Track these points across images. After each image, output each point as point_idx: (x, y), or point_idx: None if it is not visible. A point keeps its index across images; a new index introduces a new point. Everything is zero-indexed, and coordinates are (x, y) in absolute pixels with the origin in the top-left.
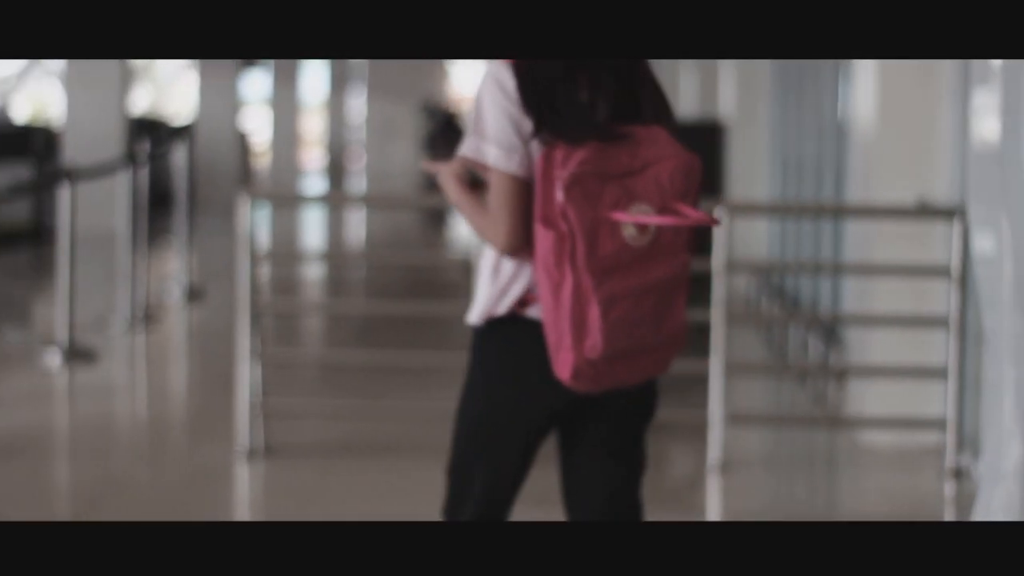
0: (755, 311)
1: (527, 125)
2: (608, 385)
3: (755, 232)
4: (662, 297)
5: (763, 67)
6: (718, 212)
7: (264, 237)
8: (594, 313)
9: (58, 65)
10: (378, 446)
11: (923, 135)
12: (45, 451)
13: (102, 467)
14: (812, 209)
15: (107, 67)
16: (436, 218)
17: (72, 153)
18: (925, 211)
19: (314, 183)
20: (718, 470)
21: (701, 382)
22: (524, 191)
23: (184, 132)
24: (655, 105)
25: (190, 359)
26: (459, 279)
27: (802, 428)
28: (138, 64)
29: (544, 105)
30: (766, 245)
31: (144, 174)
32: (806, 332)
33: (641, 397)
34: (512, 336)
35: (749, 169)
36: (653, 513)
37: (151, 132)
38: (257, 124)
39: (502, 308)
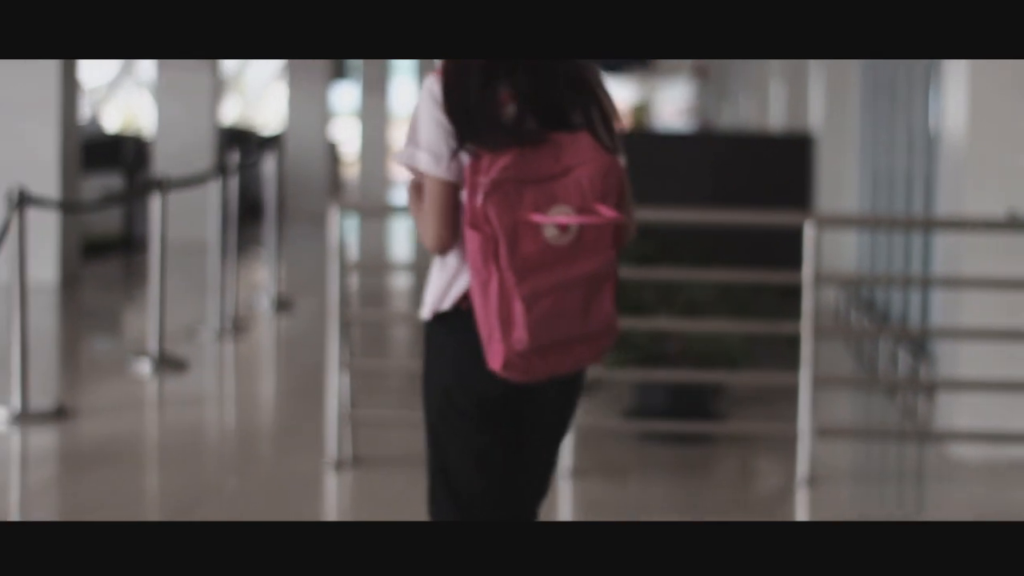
0: (844, 324)
1: (455, 134)
2: (541, 375)
3: (844, 244)
4: (587, 292)
5: (853, 78)
6: (808, 225)
7: (353, 247)
8: (518, 308)
9: (149, 75)
10: None
11: (1015, 147)
12: (135, 459)
13: (191, 475)
14: (902, 222)
15: (198, 78)
16: None
17: (163, 163)
18: (1016, 223)
19: (401, 194)
20: (806, 483)
21: (790, 395)
22: (452, 195)
23: (273, 143)
24: (586, 113)
25: (278, 369)
26: None
27: (891, 441)
28: (228, 74)
29: (464, 115)
30: (855, 257)
31: (234, 184)
32: (895, 345)
33: (576, 385)
34: (455, 329)
35: (838, 181)
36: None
37: (241, 142)
38: (346, 135)
39: (446, 304)
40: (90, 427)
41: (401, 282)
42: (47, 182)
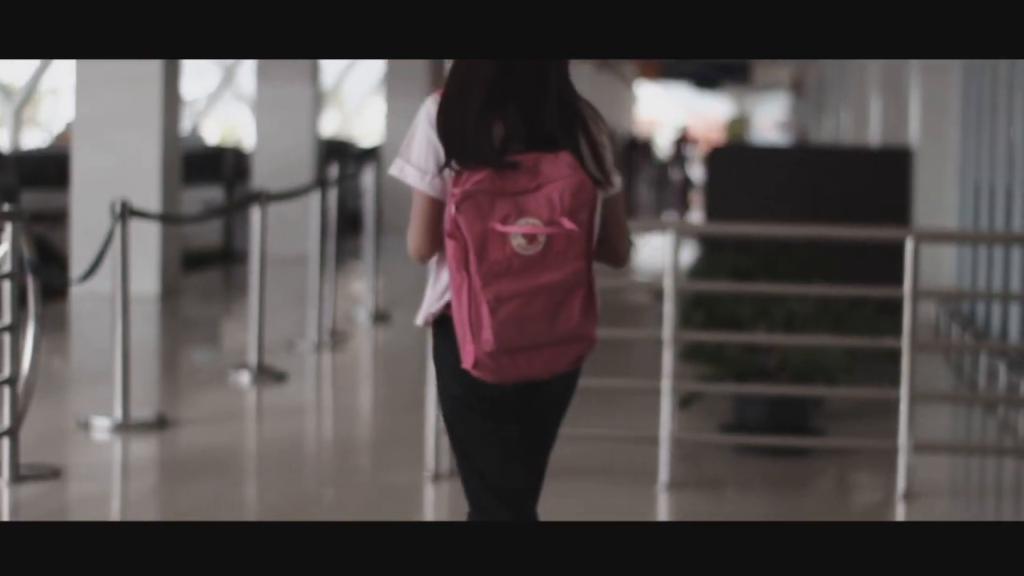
0: (943, 339)
1: (443, 152)
2: (512, 376)
3: (943, 258)
4: (554, 300)
5: (952, 91)
6: (909, 240)
7: None
8: (484, 311)
9: (248, 88)
10: (567, 470)
11: None
12: (235, 469)
13: (290, 486)
14: (1002, 237)
15: (297, 90)
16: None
17: (262, 176)
18: None
19: None
20: (904, 498)
21: (888, 410)
22: (434, 209)
23: (372, 155)
24: (571, 138)
25: (376, 380)
26: (647, 302)
27: (990, 457)
28: (327, 87)
29: (451, 136)
30: (954, 271)
31: (333, 197)
32: (995, 360)
33: (566, 383)
34: (447, 332)
35: (937, 195)
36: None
37: (339, 155)
38: None
39: (436, 308)
40: (190, 437)
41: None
42: (148, 194)
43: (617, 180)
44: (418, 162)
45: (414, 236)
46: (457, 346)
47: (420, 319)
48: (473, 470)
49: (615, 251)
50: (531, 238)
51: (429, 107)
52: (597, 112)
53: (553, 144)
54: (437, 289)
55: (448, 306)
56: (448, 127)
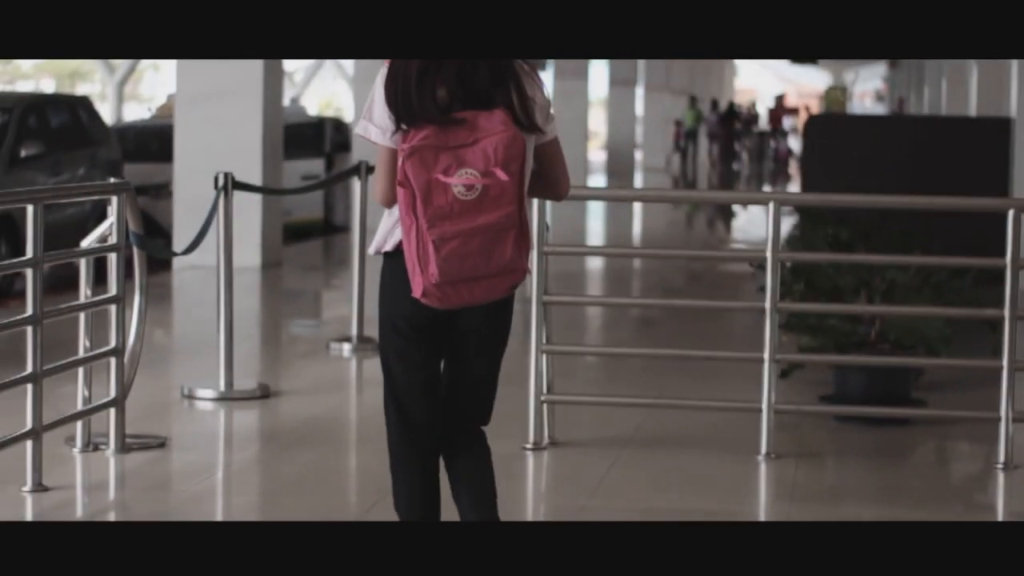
0: None
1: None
2: (455, 303)
3: None
4: (489, 238)
5: None
6: (1012, 211)
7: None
8: (430, 249)
9: (348, 63)
10: (669, 440)
11: None
12: (336, 439)
13: (385, 455)
14: None
15: None
16: (725, 213)
17: (362, 148)
18: None
19: (596, 178)
20: (1004, 469)
21: (988, 380)
22: (396, 161)
23: None
24: (505, 96)
25: None
26: (744, 274)
27: None
28: None
29: (397, 100)
30: None
31: None
32: None
33: (500, 310)
34: (393, 268)
35: None
36: (938, 511)
37: None
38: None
39: (388, 245)
40: (292, 408)
41: (594, 265)
42: (251, 167)
43: (550, 128)
44: (379, 122)
45: (379, 184)
46: (401, 279)
47: (371, 250)
48: (392, 395)
49: (553, 188)
50: (469, 186)
51: (383, 74)
52: (533, 69)
53: (489, 102)
54: (387, 226)
55: (399, 244)
56: (395, 92)
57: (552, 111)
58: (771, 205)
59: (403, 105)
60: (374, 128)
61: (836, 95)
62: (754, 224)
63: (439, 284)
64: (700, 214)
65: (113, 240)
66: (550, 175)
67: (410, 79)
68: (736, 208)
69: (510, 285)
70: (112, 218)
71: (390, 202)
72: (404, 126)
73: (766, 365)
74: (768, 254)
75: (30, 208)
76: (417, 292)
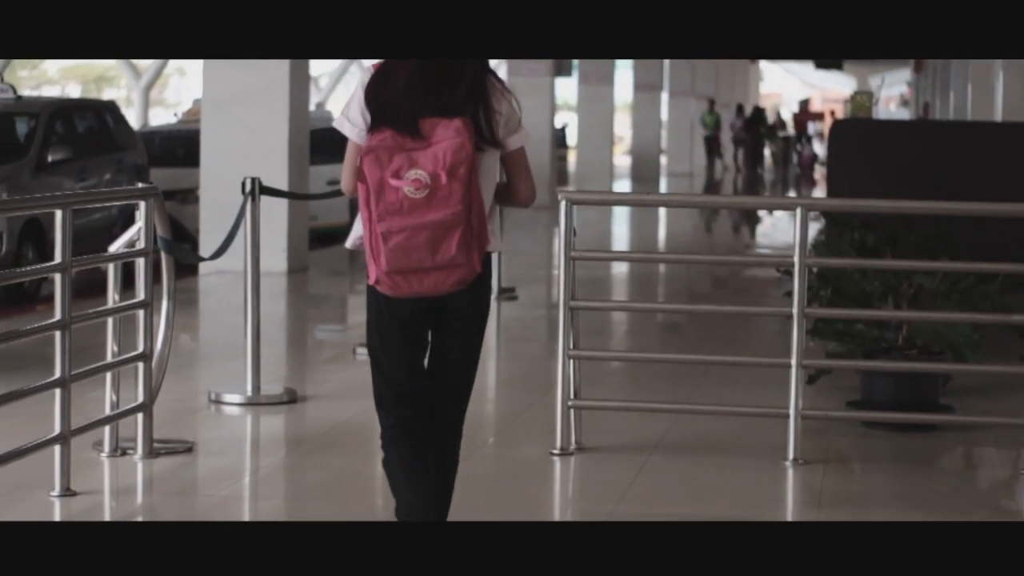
0: None
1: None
2: (406, 292)
3: None
4: (435, 234)
5: None
6: None
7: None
8: (379, 241)
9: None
10: (696, 444)
11: None
12: (362, 445)
13: None
14: None
15: None
16: (750, 218)
17: None
18: None
19: (621, 183)
20: None
21: (1017, 386)
22: (358, 156)
23: None
24: (468, 107)
25: (501, 356)
26: (768, 279)
27: None
28: None
29: (377, 102)
30: None
31: None
32: None
33: (471, 307)
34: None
35: None
36: (964, 517)
37: None
38: (569, 126)
39: (352, 242)
40: (318, 413)
41: (619, 269)
42: (277, 172)
43: (513, 139)
44: (353, 119)
45: (345, 176)
46: None
47: (348, 243)
48: (381, 377)
49: (516, 195)
50: (420, 185)
51: (364, 78)
52: (504, 86)
53: (453, 112)
54: (357, 221)
55: None
56: (377, 95)
57: (521, 125)
58: (798, 210)
59: (379, 108)
60: (348, 124)
61: (862, 100)
62: (778, 229)
63: (388, 273)
64: (725, 219)
65: (141, 245)
66: (511, 183)
67: (397, 87)
68: (760, 213)
69: (457, 279)
70: (140, 223)
71: (352, 192)
72: (371, 126)
73: (794, 370)
74: (796, 259)
75: (59, 213)
76: (371, 279)
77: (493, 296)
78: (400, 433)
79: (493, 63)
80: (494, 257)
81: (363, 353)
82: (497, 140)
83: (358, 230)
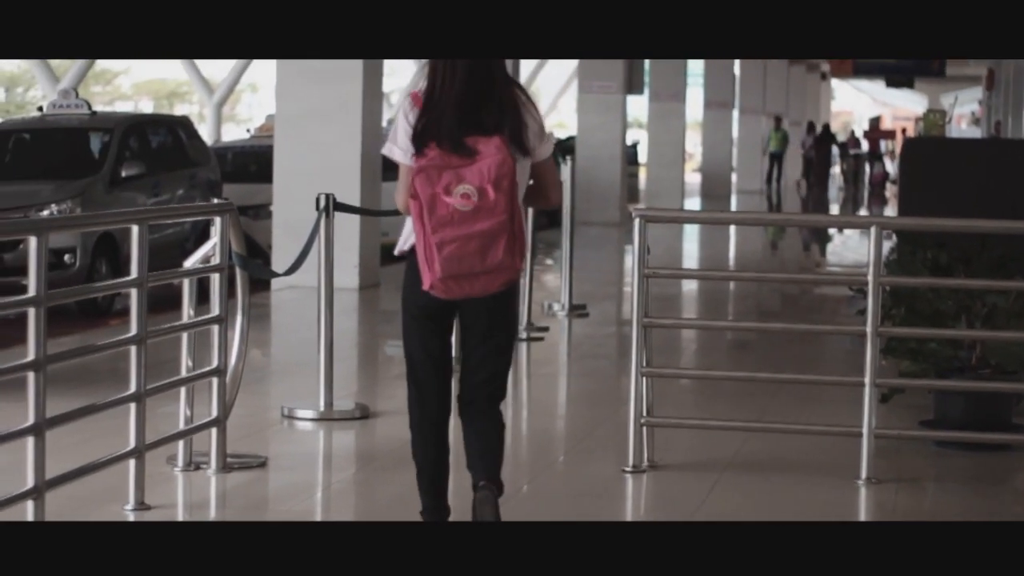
0: None
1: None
2: (457, 294)
3: None
4: (483, 242)
5: None
6: None
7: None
8: (434, 250)
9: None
10: (769, 463)
11: None
12: None
13: None
14: None
15: None
16: (820, 236)
17: None
18: None
19: (691, 200)
20: None
21: None
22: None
23: (567, 147)
24: (501, 126)
25: (573, 373)
26: (838, 297)
27: None
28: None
29: (426, 128)
30: None
31: None
32: None
33: (501, 303)
34: (412, 264)
35: None
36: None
37: None
38: (640, 143)
39: (407, 247)
40: (390, 429)
41: (689, 287)
42: (349, 188)
43: (543, 150)
44: (402, 145)
45: (400, 195)
46: (417, 274)
47: (396, 251)
48: (415, 366)
49: (544, 198)
50: (467, 199)
51: (406, 107)
52: (529, 99)
53: (491, 130)
54: (407, 231)
55: (415, 246)
56: (418, 122)
57: (548, 134)
58: (873, 229)
59: (424, 131)
60: (398, 150)
61: (935, 119)
62: (847, 247)
63: (443, 279)
64: (794, 237)
65: (216, 260)
66: (541, 187)
67: (440, 111)
68: (830, 231)
69: (504, 280)
70: (215, 238)
71: (406, 210)
72: (418, 149)
73: (867, 389)
74: (870, 278)
75: (135, 228)
76: (426, 285)
77: (564, 311)
78: (421, 408)
79: (566, 74)
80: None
81: None
82: (529, 151)
83: (406, 241)
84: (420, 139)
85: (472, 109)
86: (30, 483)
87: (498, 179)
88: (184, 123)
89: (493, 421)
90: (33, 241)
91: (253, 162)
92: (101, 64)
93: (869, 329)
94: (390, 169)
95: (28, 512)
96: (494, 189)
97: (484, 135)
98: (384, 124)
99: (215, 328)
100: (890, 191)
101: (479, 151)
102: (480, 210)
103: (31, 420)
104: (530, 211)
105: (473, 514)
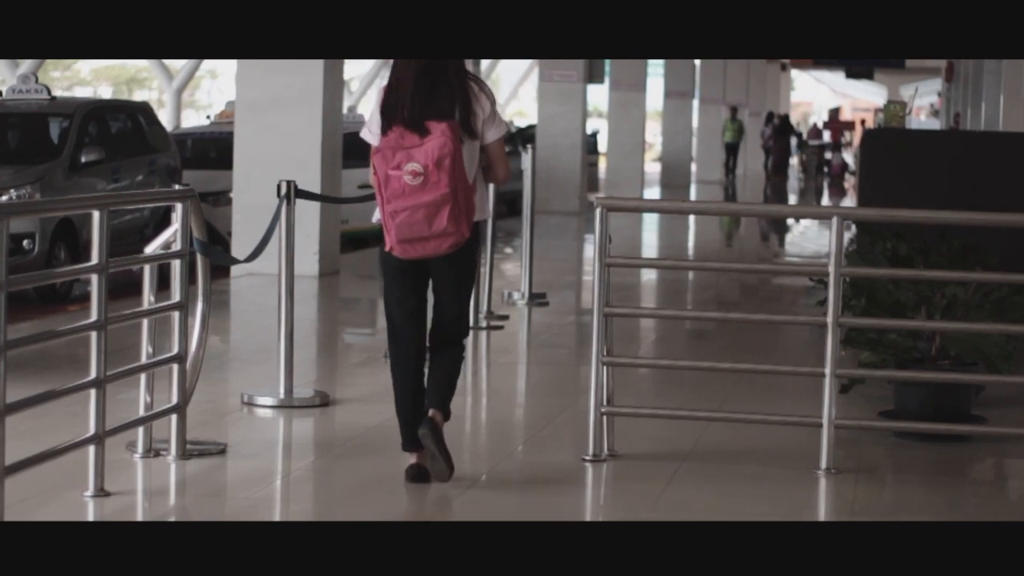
0: None
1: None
2: (412, 254)
3: None
4: (429, 211)
5: None
6: None
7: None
8: (388, 219)
9: None
10: (728, 453)
11: None
12: (393, 449)
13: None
14: None
15: None
16: (779, 226)
17: None
18: None
19: (651, 190)
20: None
21: None
22: None
23: (526, 135)
24: (453, 110)
25: (532, 361)
26: (796, 288)
27: None
28: (482, 71)
29: (390, 111)
30: None
31: None
32: None
33: (456, 264)
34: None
35: None
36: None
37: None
38: (600, 132)
39: (375, 219)
40: (350, 416)
41: (648, 276)
42: (309, 176)
43: (491, 133)
44: (373, 128)
45: (371, 173)
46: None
47: (373, 219)
48: (391, 316)
49: (495, 177)
50: (415, 175)
51: (378, 98)
52: (483, 88)
53: (441, 116)
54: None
55: None
56: (385, 108)
57: (499, 121)
58: (834, 220)
59: (388, 117)
60: (369, 134)
61: (895, 110)
62: (806, 238)
63: (399, 242)
64: (753, 227)
65: (178, 247)
66: (491, 167)
67: (405, 98)
68: (788, 221)
69: (451, 244)
70: (177, 224)
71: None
72: (383, 132)
73: (827, 379)
74: (831, 268)
75: (96, 214)
76: (387, 247)
77: (524, 300)
78: (398, 355)
79: (526, 62)
80: (488, 223)
81: None
82: (477, 134)
83: (377, 211)
84: (385, 121)
85: (428, 97)
86: None
87: (440, 159)
88: (144, 109)
89: (453, 356)
90: None
91: (213, 148)
92: None
93: (830, 319)
94: (351, 156)
95: None
96: (436, 168)
97: (438, 120)
98: (345, 111)
99: (175, 314)
100: (848, 182)
101: (430, 132)
102: (426, 185)
103: None
104: (490, 192)
105: (422, 441)
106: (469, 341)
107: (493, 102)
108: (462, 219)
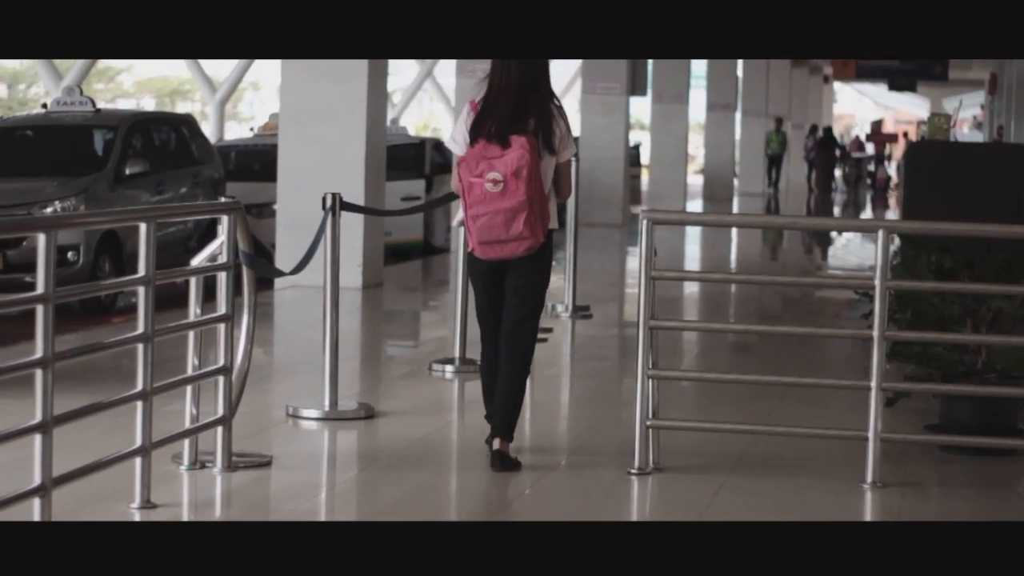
0: None
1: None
2: (491, 255)
3: None
4: (507, 216)
5: None
6: None
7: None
8: (470, 222)
9: (447, 81)
10: (765, 466)
11: None
12: (438, 461)
13: (491, 479)
14: None
15: None
16: (822, 239)
17: None
18: None
19: (694, 203)
20: None
21: None
22: None
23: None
24: (533, 127)
25: (576, 374)
26: (840, 300)
27: None
28: None
29: (481, 126)
30: None
31: None
32: None
33: (529, 267)
34: (467, 235)
35: None
36: None
37: None
38: (643, 145)
39: (455, 222)
40: (395, 429)
41: (690, 290)
42: (353, 188)
43: (565, 153)
44: (459, 138)
45: (454, 178)
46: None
47: (455, 222)
48: (477, 309)
49: (560, 192)
50: (495, 183)
51: (466, 113)
52: (561, 110)
53: (523, 130)
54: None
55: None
56: (476, 123)
57: (570, 141)
58: (880, 233)
59: (480, 129)
60: (455, 145)
61: (940, 122)
62: (849, 251)
63: (479, 243)
64: (796, 240)
65: (223, 259)
66: (559, 183)
67: (495, 117)
68: (832, 234)
69: (526, 247)
70: (223, 237)
71: (458, 189)
72: (470, 143)
73: (873, 393)
74: (877, 282)
75: (143, 226)
76: (470, 248)
77: (567, 313)
78: (484, 335)
79: (569, 74)
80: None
81: (438, 369)
82: (554, 151)
83: (460, 214)
84: (473, 134)
85: (519, 110)
86: (37, 480)
87: (518, 170)
88: (188, 121)
89: (518, 375)
90: (42, 238)
91: (256, 161)
92: (103, 61)
93: (876, 332)
94: (394, 168)
95: (35, 509)
96: (515, 178)
97: (522, 134)
98: (388, 123)
99: (221, 327)
100: (891, 194)
101: (510, 145)
102: (505, 192)
103: (38, 417)
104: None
105: (491, 464)
106: None
107: (568, 125)
108: (537, 225)
